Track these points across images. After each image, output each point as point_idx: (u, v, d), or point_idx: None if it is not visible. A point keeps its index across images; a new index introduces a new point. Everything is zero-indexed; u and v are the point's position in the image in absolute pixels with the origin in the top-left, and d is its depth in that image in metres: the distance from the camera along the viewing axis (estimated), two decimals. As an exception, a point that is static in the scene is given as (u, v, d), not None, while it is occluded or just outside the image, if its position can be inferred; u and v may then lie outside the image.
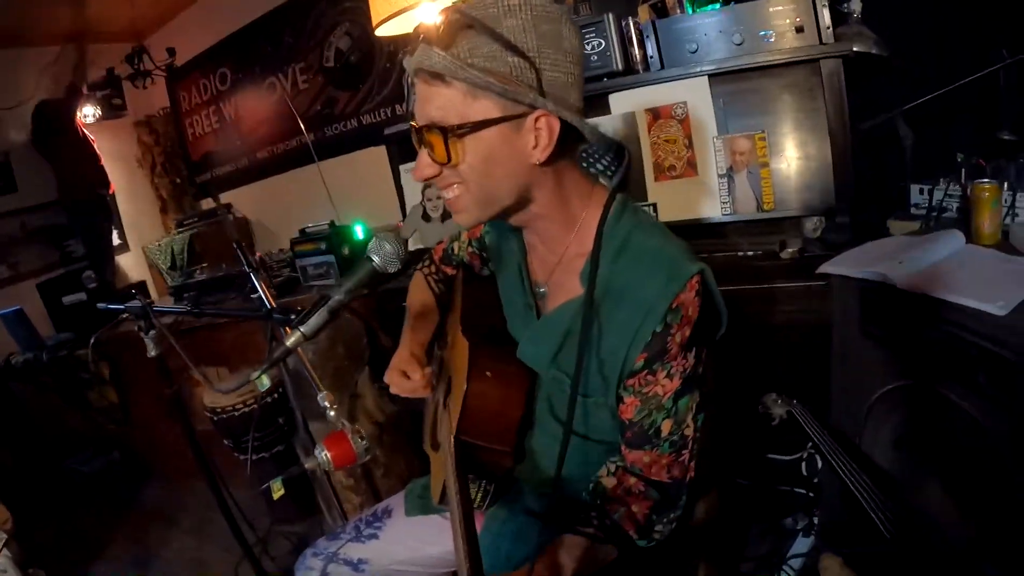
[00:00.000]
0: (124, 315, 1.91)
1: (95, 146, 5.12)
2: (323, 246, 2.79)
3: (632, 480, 1.07)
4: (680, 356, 1.00)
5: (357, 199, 4.03)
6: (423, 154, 1.01)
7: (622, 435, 1.07)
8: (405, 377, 1.33)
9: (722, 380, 1.37)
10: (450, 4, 1.01)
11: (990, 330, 1.20)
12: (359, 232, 3.15)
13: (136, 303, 1.78)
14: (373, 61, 4.24)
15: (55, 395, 4.25)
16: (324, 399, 1.30)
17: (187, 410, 1.94)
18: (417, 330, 1.45)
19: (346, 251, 2.80)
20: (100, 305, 1.98)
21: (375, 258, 1.08)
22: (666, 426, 1.02)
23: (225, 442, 2.89)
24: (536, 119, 0.95)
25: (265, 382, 1.17)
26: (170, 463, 3.93)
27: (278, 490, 1.37)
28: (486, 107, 0.96)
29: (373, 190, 3.67)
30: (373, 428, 2.57)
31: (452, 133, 0.96)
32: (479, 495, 1.17)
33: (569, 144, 1.00)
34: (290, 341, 1.09)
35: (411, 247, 2.85)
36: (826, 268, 1.55)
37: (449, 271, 1.56)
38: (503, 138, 0.97)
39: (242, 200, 5.59)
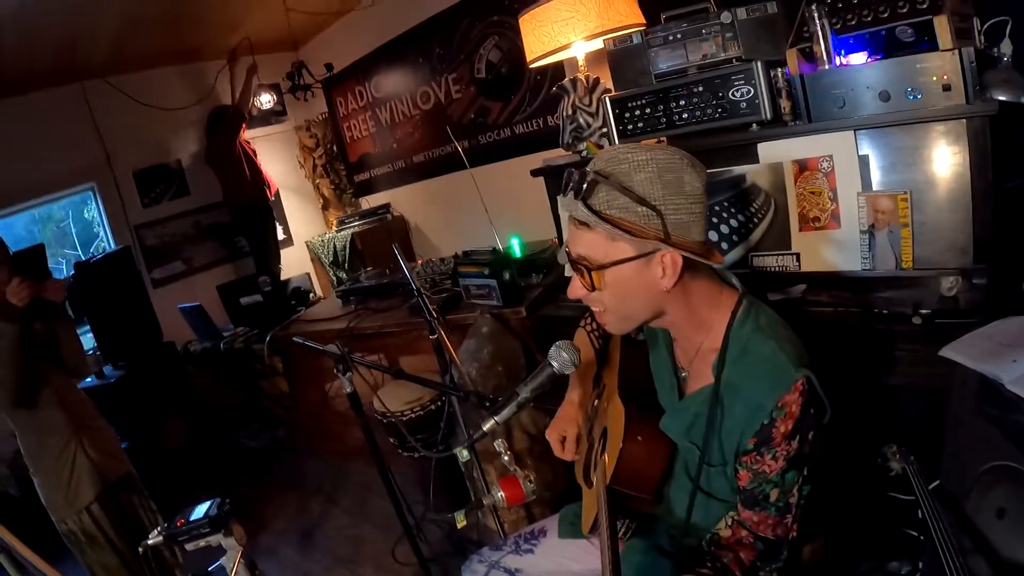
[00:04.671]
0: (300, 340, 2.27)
1: (256, 158, 5.77)
2: (486, 271, 3.11)
3: (744, 532, 1.38)
4: (784, 443, 1.29)
5: (511, 207, 4.32)
6: (575, 278, 1.39)
7: (738, 495, 1.39)
8: (560, 444, 1.73)
9: (845, 429, 1.60)
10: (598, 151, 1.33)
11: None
12: (516, 248, 3.50)
13: (335, 349, 2.16)
14: (524, 73, 4.53)
15: (227, 381, 4.88)
16: (500, 444, 1.66)
17: (374, 438, 2.33)
18: (580, 382, 1.83)
19: (507, 276, 3.09)
20: (296, 339, 2.39)
21: (554, 363, 1.51)
22: (774, 494, 1.32)
23: (391, 440, 3.28)
24: (663, 256, 1.28)
25: (465, 455, 1.57)
26: (331, 446, 4.43)
27: (461, 521, 1.74)
28: (622, 248, 1.28)
29: (527, 199, 3.90)
30: (526, 439, 2.89)
31: (595, 269, 1.31)
32: (623, 529, 1.56)
33: (695, 265, 1.33)
34: (486, 426, 1.53)
35: (567, 273, 3.14)
36: (946, 353, 1.69)
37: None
38: (636, 271, 1.30)
39: (399, 200, 6.05)
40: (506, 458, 1.68)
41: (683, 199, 1.27)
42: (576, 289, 1.39)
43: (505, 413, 1.51)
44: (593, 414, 1.82)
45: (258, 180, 5.76)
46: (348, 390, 2.20)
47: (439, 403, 3.15)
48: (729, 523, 1.41)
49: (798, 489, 1.34)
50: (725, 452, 1.38)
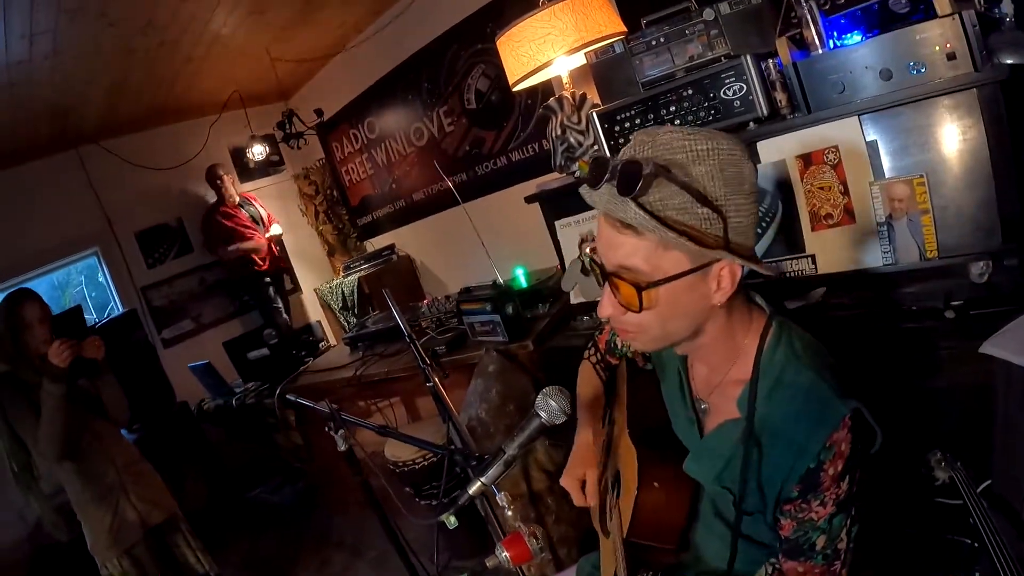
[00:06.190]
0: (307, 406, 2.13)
1: (244, 233, 5.69)
2: (488, 307, 2.92)
3: None
4: (833, 487, 1.08)
5: (514, 236, 4.21)
6: (608, 294, 1.14)
7: (779, 544, 1.18)
8: (580, 490, 1.53)
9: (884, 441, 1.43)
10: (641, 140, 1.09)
11: None
12: (521, 278, 3.35)
13: (325, 408, 2.03)
14: (514, 99, 4.41)
15: (242, 437, 4.80)
16: (503, 499, 1.48)
17: (375, 494, 2.21)
18: (590, 420, 1.64)
19: (510, 310, 2.90)
20: (290, 396, 2.26)
21: (542, 414, 1.28)
22: (820, 541, 1.12)
23: (407, 489, 3.17)
24: (721, 267, 1.07)
25: (453, 521, 1.38)
26: (353, 497, 4.25)
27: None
28: (677, 259, 1.06)
29: (529, 227, 3.73)
30: (545, 478, 2.72)
31: (647, 288, 1.07)
32: None
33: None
34: (472, 489, 1.34)
35: (572, 300, 2.98)
36: (987, 350, 1.52)
37: (613, 361, 1.71)
38: (690, 286, 1.08)
39: (404, 239, 5.94)
40: (509, 513, 1.50)
41: (743, 198, 1.06)
42: (610, 307, 1.14)
43: (492, 473, 1.33)
44: (606, 453, 1.65)
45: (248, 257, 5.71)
46: (342, 448, 2.07)
47: (452, 447, 3.00)
48: (769, 572, 1.21)
49: (846, 532, 1.13)
50: (765, 500, 1.17)
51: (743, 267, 1.09)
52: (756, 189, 1.09)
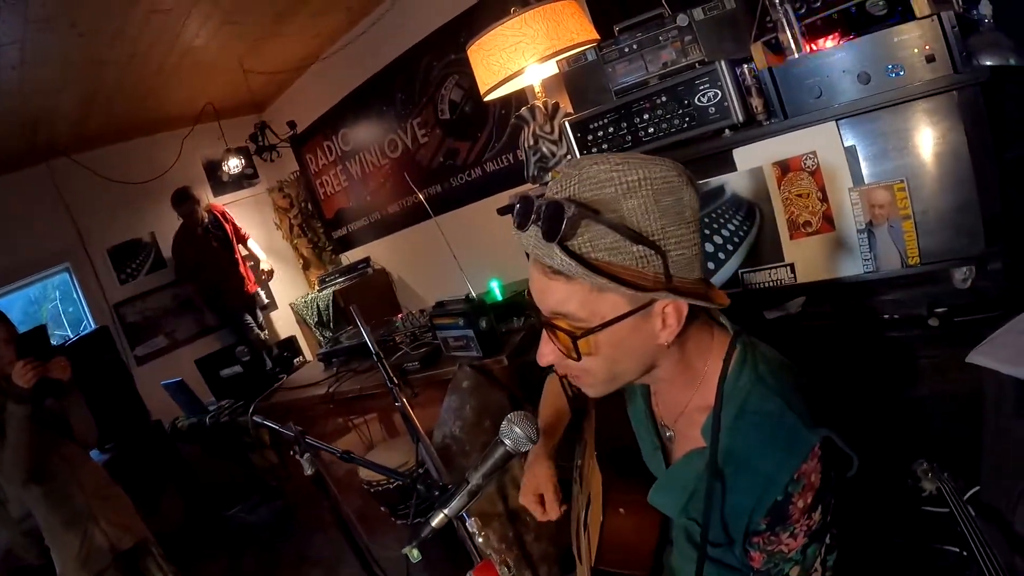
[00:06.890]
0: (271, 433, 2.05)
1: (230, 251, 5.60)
2: (460, 322, 2.81)
3: None
4: (803, 518, 1.00)
5: (489, 248, 4.13)
6: (546, 340, 1.06)
7: (752, 574, 1.09)
8: (541, 505, 1.45)
9: (868, 453, 1.35)
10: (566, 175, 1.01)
11: None
12: (496, 291, 3.26)
13: (290, 431, 1.95)
14: (488, 109, 4.35)
15: (217, 456, 4.68)
16: (472, 525, 1.40)
17: (347, 519, 2.20)
18: (550, 436, 1.55)
19: (484, 324, 2.78)
20: (256, 419, 2.16)
21: (507, 442, 1.19)
22: (794, 572, 1.04)
23: (382, 508, 3.08)
24: (664, 305, 0.98)
25: (416, 555, 1.29)
26: (331, 517, 4.16)
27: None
28: (614, 302, 0.98)
29: (504, 239, 3.66)
30: (522, 495, 2.64)
31: (582, 336, 0.99)
32: None
33: (691, 308, 1.02)
34: (435, 521, 1.23)
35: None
36: (975, 359, 1.45)
37: None
38: (633, 328, 1.00)
39: (379, 252, 5.86)
40: (480, 540, 1.41)
41: (684, 228, 0.98)
42: (548, 354, 1.07)
43: (455, 505, 1.24)
44: (579, 476, 1.57)
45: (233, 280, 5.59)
46: (308, 472, 1.99)
47: (425, 468, 2.92)
48: None
49: (821, 562, 1.05)
50: (731, 532, 1.08)
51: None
52: (698, 216, 1.00)
